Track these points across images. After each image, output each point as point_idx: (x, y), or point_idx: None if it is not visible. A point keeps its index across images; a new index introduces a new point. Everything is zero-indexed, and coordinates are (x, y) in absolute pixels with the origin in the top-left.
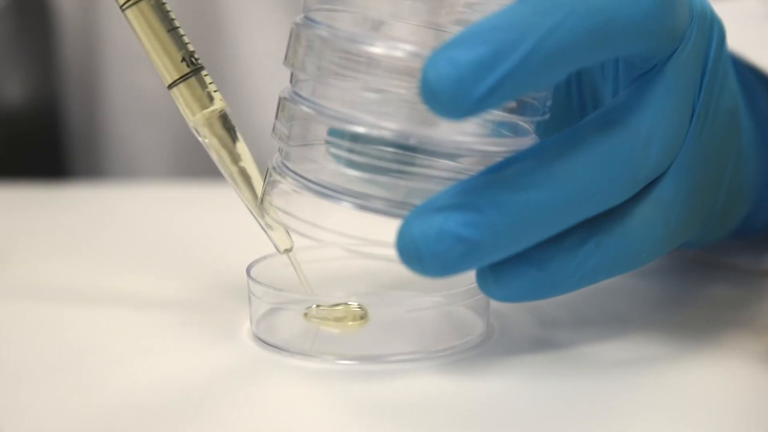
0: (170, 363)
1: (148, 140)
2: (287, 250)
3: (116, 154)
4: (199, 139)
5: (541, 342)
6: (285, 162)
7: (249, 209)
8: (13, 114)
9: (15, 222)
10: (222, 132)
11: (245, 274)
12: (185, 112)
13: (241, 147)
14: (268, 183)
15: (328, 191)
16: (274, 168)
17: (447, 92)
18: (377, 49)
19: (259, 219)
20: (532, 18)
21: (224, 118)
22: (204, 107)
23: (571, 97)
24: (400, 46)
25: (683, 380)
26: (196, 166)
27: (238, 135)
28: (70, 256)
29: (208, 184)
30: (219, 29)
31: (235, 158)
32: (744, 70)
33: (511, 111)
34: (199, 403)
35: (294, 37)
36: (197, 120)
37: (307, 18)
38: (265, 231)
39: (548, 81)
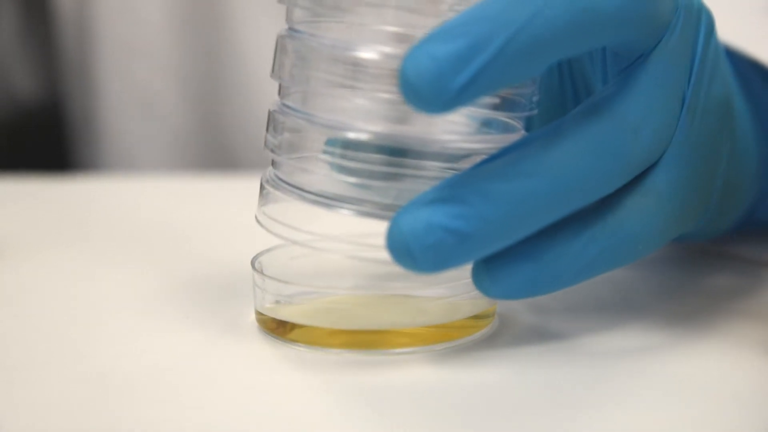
0: (174, 355)
1: (144, 133)
2: None
3: (113, 147)
4: None
5: (538, 331)
6: (278, 174)
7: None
8: (18, 107)
9: (15, 214)
10: None
11: (249, 266)
12: None
13: None
14: (262, 196)
15: (324, 200)
16: (267, 181)
17: (426, 86)
18: (363, 55)
19: None
20: (509, 9)
21: None
22: None
23: (565, 90)
24: (384, 50)
25: (686, 369)
26: (192, 160)
27: None
28: (69, 249)
29: (207, 177)
30: (219, 25)
31: None
32: (741, 61)
33: (496, 108)
34: (204, 393)
35: (280, 49)
36: None
37: (291, 29)
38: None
39: (528, 72)
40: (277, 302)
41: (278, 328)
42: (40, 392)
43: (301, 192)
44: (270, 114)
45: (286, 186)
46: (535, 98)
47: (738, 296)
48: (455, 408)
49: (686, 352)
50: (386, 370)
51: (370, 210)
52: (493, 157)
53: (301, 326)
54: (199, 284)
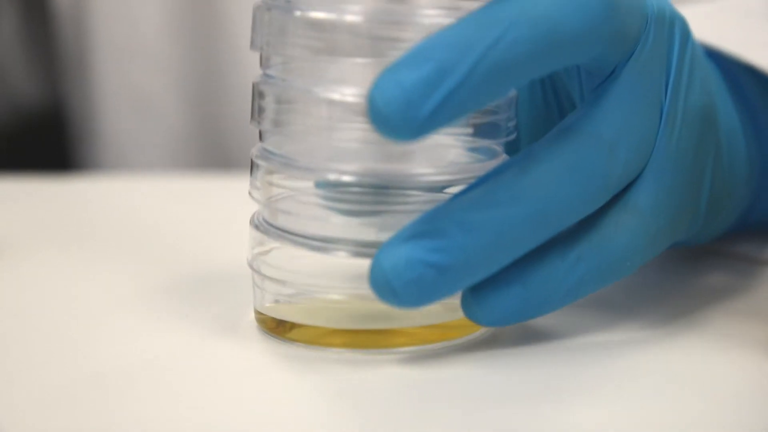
0: (173, 354)
1: (142, 134)
2: None
3: (112, 148)
4: None
5: (537, 329)
6: (266, 219)
7: None
8: (18, 108)
9: (14, 214)
10: None
11: (248, 265)
12: None
13: None
14: (253, 239)
15: (317, 243)
16: (256, 226)
17: (395, 114)
18: (333, 95)
19: None
20: (474, 33)
21: None
22: None
23: (549, 106)
24: (353, 90)
25: (685, 367)
26: (190, 160)
27: None
28: (68, 248)
29: (206, 177)
30: (216, 26)
31: None
32: (732, 64)
33: (473, 135)
34: (204, 393)
35: (257, 95)
36: None
37: (265, 74)
38: None
39: (496, 94)
40: (277, 301)
41: (277, 328)
42: (39, 391)
43: (294, 236)
44: (252, 161)
45: (276, 231)
46: (511, 123)
47: (736, 294)
48: (455, 406)
49: (685, 350)
50: (385, 369)
51: (364, 250)
52: (471, 187)
53: (300, 325)
54: (199, 283)
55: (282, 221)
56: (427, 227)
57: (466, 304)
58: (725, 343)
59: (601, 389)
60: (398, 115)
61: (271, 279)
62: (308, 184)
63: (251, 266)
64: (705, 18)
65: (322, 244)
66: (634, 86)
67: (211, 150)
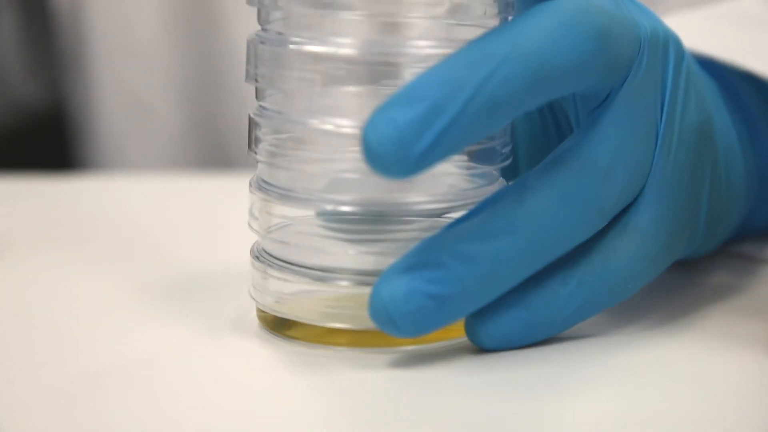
0: (174, 352)
1: (141, 133)
2: None
3: (111, 147)
4: None
5: None
6: (265, 249)
7: None
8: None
9: (13, 213)
10: None
11: (249, 263)
12: None
13: None
14: (256, 268)
15: (318, 273)
16: (256, 257)
17: (389, 153)
18: (329, 126)
19: None
20: (466, 69)
21: None
22: None
23: (548, 130)
24: (348, 122)
25: (685, 366)
26: (189, 159)
27: None
28: (68, 248)
29: (205, 175)
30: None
31: None
32: (728, 75)
33: (469, 161)
34: (205, 391)
35: (253, 125)
36: None
37: (261, 107)
38: None
39: (489, 129)
40: (278, 300)
41: (278, 326)
42: (39, 391)
43: (292, 266)
44: (250, 187)
45: (275, 261)
46: (506, 149)
47: (737, 293)
48: (455, 405)
49: (684, 348)
50: (386, 367)
51: (366, 279)
52: (468, 216)
53: (301, 324)
54: (199, 282)
55: (281, 253)
56: (425, 258)
57: (469, 328)
58: (725, 341)
59: (602, 387)
60: (392, 155)
61: (272, 277)
62: (307, 213)
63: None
64: (700, 25)
65: (323, 274)
66: (628, 110)
67: (209, 149)
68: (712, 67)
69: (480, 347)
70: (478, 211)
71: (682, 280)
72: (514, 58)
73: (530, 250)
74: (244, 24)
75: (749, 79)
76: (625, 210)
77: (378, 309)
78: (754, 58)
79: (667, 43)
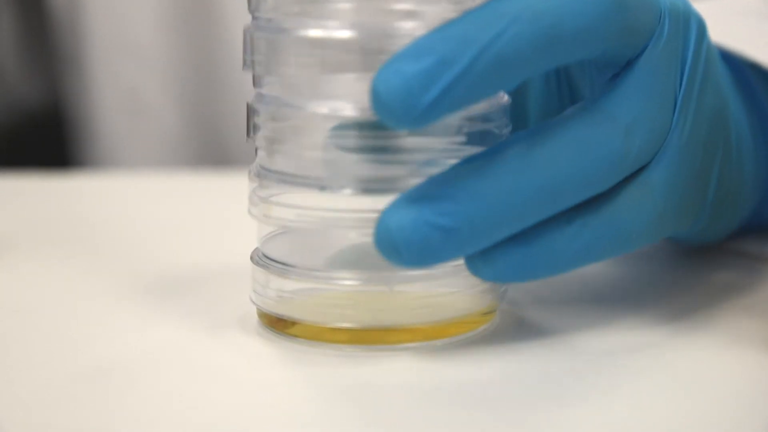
0: (174, 351)
1: (139, 132)
2: None
3: (109, 146)
4: None
5: (539, 327)
6: (265, 254)
7: None
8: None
9: (13, 211)
10: None
11: (249, 261)
12: None
13: None
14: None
15: (319, 273)
16: (257, 263)
17: (396, 103)
18: (327, 110)
19: None
20: (475, 28)
21: None
22: None
23: (564, 103)
24: (347, 105)
25: (687, 365)
26: (187, 157)
27: None
28: (67, 246)
29: (203, 174)
30: (211, 24)
31: None
32: (741, 66)
33: (466, 143)
34: (205, 389)
35: (251, 113)
36: None
37: (259, 93)
38: None
39: (498, 87)
40: (279, 298)
41: (279, 324)
42: (39, 389)
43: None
44: (249, 173)
45: (274, 264)
46: (504, 131)
47: (739, 292)
48: (456, 404)
49: (687, 348)
50: (387, 365)
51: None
52: (481, 155)
53: (302, 322)
54: (200, 279)
55: (281, 253)
56: (436, 190)
57: (470, 259)
58: (730, 339)
59: (604, 387)
60: (399, 103)
61: (273, 275)
62: (305, 200)
63: (253, 260)
64: (711, 16)
65: (323, 274)
66: (649, 77)
67: (207, 147)
68: (724, 59)
69: (480, 278)
70: (493, 150)
71: (686, 279)
72: (525, 18)
73: (544, 192)
74: (242, 23)
75: (760, 72)
76: (639, 170)
77: (383, 237)
78: (759, 49)
79: (689, 18)
